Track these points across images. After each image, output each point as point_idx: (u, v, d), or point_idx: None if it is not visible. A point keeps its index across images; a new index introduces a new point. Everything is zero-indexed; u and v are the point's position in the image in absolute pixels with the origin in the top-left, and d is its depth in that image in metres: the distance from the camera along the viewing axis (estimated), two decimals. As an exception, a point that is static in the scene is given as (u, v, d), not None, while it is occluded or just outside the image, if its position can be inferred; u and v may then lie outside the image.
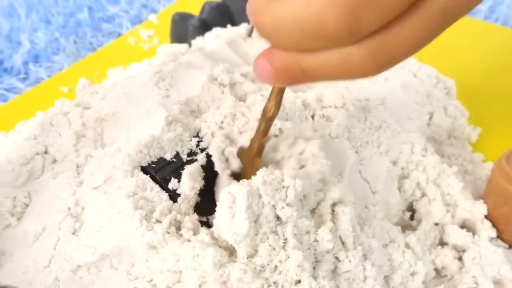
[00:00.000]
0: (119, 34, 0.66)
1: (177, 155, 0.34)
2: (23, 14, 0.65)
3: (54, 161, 0.38)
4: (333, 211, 0.32)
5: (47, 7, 0.67)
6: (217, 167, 0.34)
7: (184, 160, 0.34)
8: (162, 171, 0.33)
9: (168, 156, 0.34)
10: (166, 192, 0.32)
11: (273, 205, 0.29)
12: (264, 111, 0.30)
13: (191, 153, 0.35)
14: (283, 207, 0.29)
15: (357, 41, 0.21)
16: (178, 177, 0.33)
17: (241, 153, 0.34)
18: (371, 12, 0.19)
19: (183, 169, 0.33)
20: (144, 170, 0.34)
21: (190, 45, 0.54)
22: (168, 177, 0.33)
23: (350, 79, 0.22)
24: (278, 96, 0.29)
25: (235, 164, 0.34)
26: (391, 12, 0.20)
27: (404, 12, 0.20)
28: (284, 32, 0.21)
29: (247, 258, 0.28)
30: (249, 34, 0.47)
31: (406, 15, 0.20)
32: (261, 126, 0.31)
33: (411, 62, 0.51)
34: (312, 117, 0.39)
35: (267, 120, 0.31)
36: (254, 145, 0.32)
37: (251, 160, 0.33)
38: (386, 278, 0.33)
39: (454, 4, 0.21)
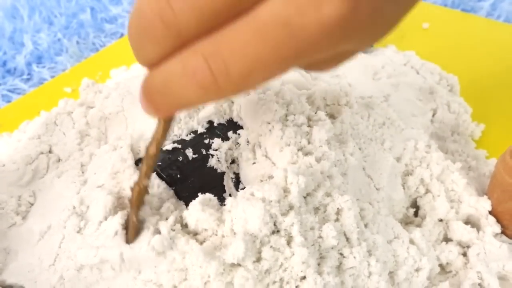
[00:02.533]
0: (122, 35, 0.66)
1: (182, 151, 0.34)
2: (25, 16, 0.66)
3: (59, 160, 0.38)
4: (337, 208, 0.32)
5: (49, 8, 0.68)
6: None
7: (190, 158, 0.34)
8: (168, 168, 0.33)
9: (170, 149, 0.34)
10: (171, 188, 0.32)
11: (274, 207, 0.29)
12: (147, 148, 0.27)
13: (197, 150, 0.35)
14: (286, 209, 0.29)
15: (189, 45, 0.20)
16: (184, 175, 0.33)
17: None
18: (185, 4, 0.19)
19: (189, 166, 0.34)
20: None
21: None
22: (174, 174, 0.33)
23: (197, 99, 0.21)
24: (161, 131, 0.26)
25: None
26: (210, 10, 0.19)
27: (234, 17, 0.19)
28: (131, 40, 0.21)
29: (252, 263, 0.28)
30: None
31: (236, 20, 0.19)
32: (142, 166, 0.28)
33: (414, 59, 0.51)
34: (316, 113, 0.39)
35: (147, 158, 0.27)
36: (135, 190, 0.29)
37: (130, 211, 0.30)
38: (391, 274, 0.33)
39: (299, 19, 0.18)
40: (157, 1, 0.19)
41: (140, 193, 0.29)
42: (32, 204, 0.36)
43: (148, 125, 0.36)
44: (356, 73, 0.46)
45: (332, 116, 0.38)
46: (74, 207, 0.33)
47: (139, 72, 0.42)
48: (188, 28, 0.19)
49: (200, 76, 0.19)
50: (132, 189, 0.29)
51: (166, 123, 0.26)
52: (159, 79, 0.21)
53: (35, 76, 0.58)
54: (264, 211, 0.28)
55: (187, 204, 0.33)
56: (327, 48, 0.19)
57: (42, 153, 0.38)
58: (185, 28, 0.19)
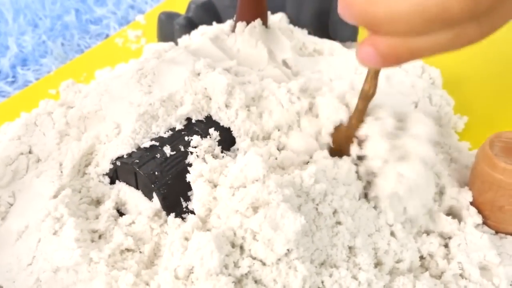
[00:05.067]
0: (107, 36, 0.66)
1: (160, 149, 0.34)
2: (10, 18, 0.65)
3: (38, 160, 0.38)
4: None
5: (34, 11, 0.67)
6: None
7: (168, 155, 0.34)
8: (146, 166, 0.33)
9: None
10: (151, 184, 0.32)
11: None
12: (363, 92, 0.33)
13: (175, 147, 0.35)
14: None
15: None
16: (163, 172, 0.33)
17: (337, 131, 0.36)
18: None
19: (167, 163, 0.34)
20: (123, 164, 0.34)
21: (176, 43, 0.54)
22: (152, 172, 0.33)
23: (457, 49, 0.24)
24: (375, 76, 0.33)
25: None
26: None
27: None
28: (402, 21, 0.22)
29: None
30: (233, 29, 0.47)
31: None
32: (359, 105, 0.34)
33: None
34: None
35: (367, 98, 0.34)
36: (353, 122, 0.35)
37: (349, 138, 0.35)
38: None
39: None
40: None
41: (357, 124, 0.35)
42: (11, 205, 0.36)
43: (125, 122, 0.37)
44: (338, 68, 0.46)
45: (311, 108, 0.38)
46: (49, 212, 0.33)
47: (120, 72, 0.42)
48: (482, 10, 0.21)
49: (475, 37, 0.23)
50: (345, 128, 0.36)
51: (379, 70, 0.33)
52: (424, 44, 0.23)
53: (20, 78, 0.58)
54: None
55: (165, 200, 0.33)
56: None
57: (22, 153, 0.38)
58: (482, 13, 0.22)
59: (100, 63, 0.58)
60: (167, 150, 0.34)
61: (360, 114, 0.35)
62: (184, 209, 0.33)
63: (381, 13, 0.22)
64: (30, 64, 0.60)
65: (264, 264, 0.29)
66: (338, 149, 0.36)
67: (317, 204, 0.32)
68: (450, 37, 0.22)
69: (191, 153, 0.34)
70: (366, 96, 0.33)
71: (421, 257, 0.35)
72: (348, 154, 0.35)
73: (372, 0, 0.22)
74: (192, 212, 0.33)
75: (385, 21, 0.22)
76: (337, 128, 0.36)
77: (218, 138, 0.36)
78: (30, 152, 0.38)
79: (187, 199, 0.33)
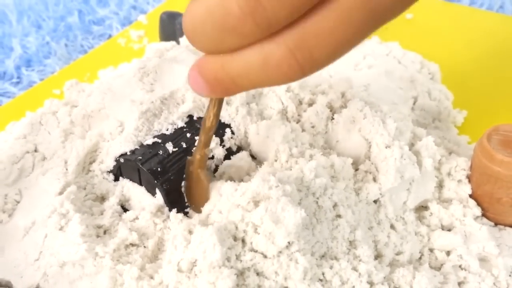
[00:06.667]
0: (110, 36, 0.67)
1: (162, 145, 0.35)
2: (14, 20, 0.66)
3: (44, 158, 0.38)
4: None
5: (37, 12, 0.68)
6: None
7: (170, 151, 0.35)
8: (149, 163, 0.34)
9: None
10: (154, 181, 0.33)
11: None
12: (204, 122, 0.31)
13: (177, 144, 0.35)
14: None
15: (272, 36, 0.20)
16: (165, 168, 0.34)
17: (187, 166, 0.34)
18: (278, 3, 0.19)
19: (170, 160, 0.34)
20: (126, 161, 0.34)
21: (178, 43, 0.54)
22: (155, 168, 0.34)
23: (277, 84, 0.22)
24: (216, 106, 0.30)
25: None
26: (300, 3, 0.19)
27: (317, 5, 0.19)
28: (199, 30, 0.21)
29: None
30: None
31: (319, 7, 0.19)
32: (201, 137, 0.32)
33: (396, 49, 0.51)
34: (301, 102, 0.40)
35: (206, 130, 0.31)
36: (196, 157, 0.33)
37: (195, 173, 0.33)
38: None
39: None
40: (247, 1, 0.19)
41: (201, 160, 0.32)
42: (18, 202, 0.36)
43: (127, 120, 0.37)
44: (337, 65, 0.47)
45: (310, 105, 0.38)
46: (55, 208, 0.34)
47: (123, 72, 0.42)
48: (277, 23, 0.19)
49: (286, 67, 0.20)
50: (191, 161, 0.33)
51: (220, 99, 0.30)
52: (236, 67, 0.21)
53: (24, 79, 0.59)
54: None
55: (168, 196, 0.33)
56: (400, 9, 0.21)
57: (27, 152, 0.39)
58: (274, 24, 0.19)
59: (103, 63, 0.59)
60: (170, 146, 0.35)
61: (203, 147, 0.32)
62: (187, 204, 0.34)
63: (187, 24, 0.21)
64: (34, 65, 0.61)
65: (265, 256, 0.29)
66: (189, 188, 0.34)
67: (318, 198, 0.33)
68: (259, 62, 0.20)
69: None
70: (207, 127, 0.31)
71: (421, 249, 0.36)
72: (192, 190, 0.34)
73: (185, 11, 0.21)
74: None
75: (189, 32, 0.21)
76: (189, 162, 0.34)
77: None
78: (35, 150, 0.39)
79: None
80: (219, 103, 0.30)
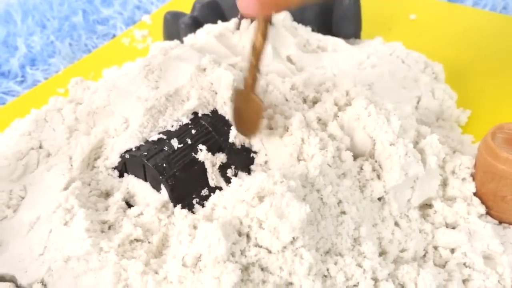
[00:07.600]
0: (114, 36, 0.67)
1: (167, 141, 0.35)
2: (19, 20, 0.67)
3: (48, 154, 0.39)
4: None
5: (42, 12, 0.69)
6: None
7: (176, 148, 0.35)
8: (154, 158, 0.34)
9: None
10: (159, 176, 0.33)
11: None
12: (253, 45, 0.33)
13: (182, 140, 0.35)
14: None
15: None
16: (170, 164, 0.34)
17: (237, 94, 0.36)
18: None
19: (175, 156, 0.34)
20: (132, 157, 0.34)
21: (182, 42, 0.54)
22: (160, 164, 0.34)
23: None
24: (264, 28, 0.32)
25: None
26: None
27: None
28: None
29: None
30: (237, 27, 0.47)
31: None
32: (252, 60, 0.33)
33: (400, 49, 0.52)
34: (305, 100, 0.40)
35: (257, 52, 0.33)
36: (249, 80, 0.34)
37: (247, 96, 0.35)
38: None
39: None
40: None
41: (254, 83, 0.34)
42: (23, 198, 0.36)
43: (132, 116, 0.37)
44: (341, 64, 0.47)
45: (315, 102, 0.38)
46: (60, 203, 0.34)
47: (128, 70, 0.43)
48: None
49: None
50: (244, 85, 0.35)
51: (266, 22, 0.32)
52: None
53: (29, 78, 0.59)
54: None
55: (172, 192, 0.34)
56: None
57: (32, 148, 0.39)
58: None
59: (108, 63, 0.59)
60: (175, 143, 0.35)
61: (253, 70, 0.34)
62: (192, 200, 0.34)
63: None
64: (38, 64, 0.61)
65: (270, 252, 0.29)
66: (241, 112, 0.36)
67: (322, 194, 0.33)
68: None
69: (201, 150, 0.35)
70: (257, 49, 0.33)
71: (425, 246, 0.36)
72: (248, 113, 0.35)
73: None
74: (199, 203, 0.33)
75: None
76: (238, 91, 0.36)
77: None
78: (40, 147, 0.39)
79: (194, 190, 0.34)
80: (266, 24, 0.32)
